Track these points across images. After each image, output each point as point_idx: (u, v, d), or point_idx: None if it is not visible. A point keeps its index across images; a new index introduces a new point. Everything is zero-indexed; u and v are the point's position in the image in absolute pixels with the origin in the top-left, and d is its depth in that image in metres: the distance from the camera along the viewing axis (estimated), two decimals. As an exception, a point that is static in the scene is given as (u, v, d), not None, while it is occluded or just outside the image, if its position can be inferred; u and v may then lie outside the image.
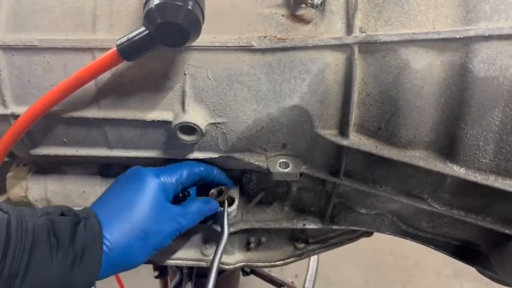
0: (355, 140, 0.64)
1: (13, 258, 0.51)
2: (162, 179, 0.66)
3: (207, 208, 0.72)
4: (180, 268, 1.14)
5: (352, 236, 0.87)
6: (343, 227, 0.81)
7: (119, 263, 0.61)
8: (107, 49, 0.58)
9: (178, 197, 0.71)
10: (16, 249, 0.52)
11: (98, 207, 0.63)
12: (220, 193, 0.75)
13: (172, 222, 0.66)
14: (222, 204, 0.75)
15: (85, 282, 0.58)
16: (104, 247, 0.59)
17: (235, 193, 0.77)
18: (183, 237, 0.80)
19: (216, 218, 0.76)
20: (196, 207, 0.70)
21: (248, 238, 0.84)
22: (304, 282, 1.57)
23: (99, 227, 0.60)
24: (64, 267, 0.55)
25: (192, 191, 0.74)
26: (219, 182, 0.75)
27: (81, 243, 0.57)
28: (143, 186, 0.64)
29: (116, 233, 0.60)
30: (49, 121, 0.66)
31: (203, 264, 0.81)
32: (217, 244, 0.71)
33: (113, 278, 1.55)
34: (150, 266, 1.31)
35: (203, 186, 0.75)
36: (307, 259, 1.58)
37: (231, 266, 0.83)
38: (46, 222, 0.56)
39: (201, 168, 0.72)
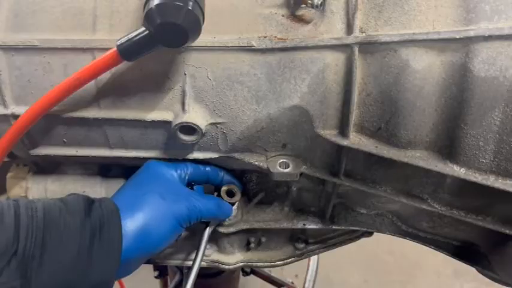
0: (355, 140, 0.64)
1: (26, 238, 0.50)
2: (173, 167, 0.69)
3: (222, 206, 0.72)
4: (180, 268, 1.15)
5: (352, 236, 0.87)
6: (343, 227, 0.81)
7: (140, 243, 0.59)
8: (107, 49, 0.58)
9: None
10: (28, 228, 0.50)
11: (113, 196, 0.64)
12: (230, 194, 0.75)
13: (188, 199, 0.66)
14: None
15: (107, 265, 0.55)
16: (123, 223, 0.58)
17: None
18: (182, 236, 0.81)
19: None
20: (213, 199, 0.71)
21: (248, 238, 0.84)
22: (304, 282, 1.57)
23: (115, 206, 0.59)
24: (82, 246, 0.53)
25: (199, 190, 0.74)
26: (228, 184, 0.75)
27: (98, 219, 0.55)
28: (156, 172, 0.67)
29: (133, 212, 0.60)
30: (49, 121, 0.66)
31: (203, 264, 0.81)
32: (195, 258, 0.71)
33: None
34: (150, 266, 1.31)
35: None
36: (307, 259, 1.58)
37: (231, 266, 0.83)
38: (57, 202, 0.55)
39: (207, 168, 0.72)
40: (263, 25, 0.61)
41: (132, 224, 0.59)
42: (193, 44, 0.58)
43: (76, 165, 0.77)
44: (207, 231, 0.73)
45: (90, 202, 0.58)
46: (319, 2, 0.59)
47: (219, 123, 0.65)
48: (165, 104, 0.64)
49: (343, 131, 0.64)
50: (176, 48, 0.58)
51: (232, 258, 0.83)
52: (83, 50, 0.62)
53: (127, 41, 0.56)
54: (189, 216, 0.65)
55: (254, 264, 0.85)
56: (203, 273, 1.06)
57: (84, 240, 0.53)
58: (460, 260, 0.81)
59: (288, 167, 0.68)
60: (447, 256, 0.82)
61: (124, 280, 1.56)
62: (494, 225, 0.67)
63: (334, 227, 0.81)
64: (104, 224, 0.55)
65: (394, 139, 0.62)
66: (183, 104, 0.63)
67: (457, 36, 0.56)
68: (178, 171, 0.69)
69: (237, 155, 0.69)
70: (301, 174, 0.70)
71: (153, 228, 0.61)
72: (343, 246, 0.89)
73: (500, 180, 0.60)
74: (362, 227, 0.81)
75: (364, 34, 0.59)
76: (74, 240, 0.53)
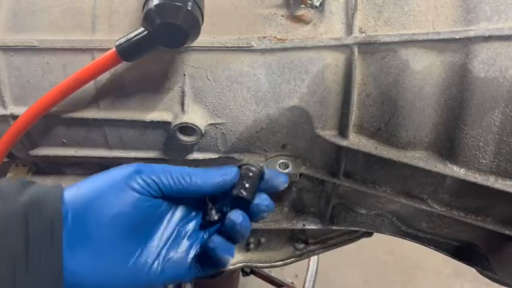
0: (355, 140, 0.64)
1: None
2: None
3: (224, 170, 0.53)
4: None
5: (352, 237, 0.87)
6: (342, 228, 0.81)
7: (85, 218, 0.47)
8: (106, 50, 0.58)
9: None
10: None
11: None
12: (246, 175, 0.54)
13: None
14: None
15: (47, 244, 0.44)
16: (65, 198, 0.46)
17: None
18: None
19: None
20: (208, 170, 0.52)
21: (248, 238, 0.84)
22: (304, 283, 1.57)
23: (59, 188, 0.48)
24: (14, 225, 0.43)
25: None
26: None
27: (35, 196, 0.45)
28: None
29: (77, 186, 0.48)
30: (48, 122, 0.66)
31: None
32: None
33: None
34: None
35: None
36: (307, 259, 1.58)
37: (230, 267, 0.83)
38: None
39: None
40: (262, 25, 0.61)
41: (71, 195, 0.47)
42: (192, 45, 0.58)
43: (75, 165, 0.76)
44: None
45: (26, 183, 0.48)
46: (319, 3, 0.59)
47: (219, 123, 0.65)
48: (165, 104, 0.64)
49: (342, 131, 0.64)
50: (175, 48, 0.58)
51: (232, 258, 0.83)
52: (82, 50, 0.62)
53: (126, 41, 0.56)
54: (142, 170, 0.49)
55: (254, 264, 0.85)
56: (203, 273, 1.06)
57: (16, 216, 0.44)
58: (459, 261, 0.81)
59: (287, 168, 0.68)
60: (447, 256, 0.82)
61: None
62: (494, 225, 0.67)
63: (333, 228, 0.81)
64: (41, 200, 0.45)
65: (394, 140, 0.62)
66: (182, 104, 0.63)
67: (457, 37, 0.56)
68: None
69: (236, 156, 0.69)
70: (301, 174, 0.70)
71: (95, 196, 0.48)
72: (343, 247, 0.89)
73: (500, 181, 0.60)
74: (362, 228, 0.81)
75: (363, 34, 0.59)
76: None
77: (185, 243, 0.53)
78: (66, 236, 0.45)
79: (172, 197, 0.51)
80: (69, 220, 0.46)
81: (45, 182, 0.76)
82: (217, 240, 0.51)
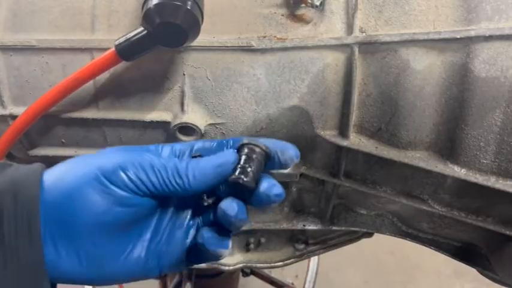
0: (355, 140, 0.64)
1: None
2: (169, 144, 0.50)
3: (220, 160, 0.46)
4: (179, 269, 1.14)
5: (352, 237, 0.87)
6: (343, 228, 0.81)
7: (63, 206, 0.43)
8: (105, 49, 0.57)
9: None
10: None
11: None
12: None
13: (137, 151, 0.46)
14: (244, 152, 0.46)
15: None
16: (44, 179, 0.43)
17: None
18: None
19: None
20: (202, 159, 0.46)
21: (247, 239, 0.83)
22: (304, 283, 1.57)
23: (39, 167, 0.44)
24: None
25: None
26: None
27: (10, 179, 0.42)
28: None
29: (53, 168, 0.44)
30: (47, 122, 0.66)
31: (202, 265, 0.81)
32: None
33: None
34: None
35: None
36: (307, 260, 1.57)
37: (230, 267, 0.83)
38: None
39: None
40: (262, 25, 0.61)
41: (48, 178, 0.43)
42: (192, 44, 0.58)
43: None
44: None
45: (3, 165, 0.44)
46: (319, 2, 0.58)
47: (218, 123, 0.64)
48: (164, 104, 0.64)
49: (343, 131, 0.63)
50: (175, 48, 0.58)
51: (232, 259, 0.83)
52: (82, 50, 0.61)
53: (125, 41, 0.55)
54: (126, 167, 0.44)
55: (254, 265, 0.85)
56: (203, 274, 1.06)
57: None
58: (460, 261, 0.80)
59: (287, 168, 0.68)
60: (447, 256, 0.82)
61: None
62: (494, 226, 0.67)
63: (334, 228, 0.81)
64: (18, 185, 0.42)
65: (395, 140, 0.62)
66: (182, 104, 0.63)
67: (458, 36, 0.56)
68: (176, 146, 0.50)
69: (236, 156, 0.69)
70: (301, 174, 0.70)
71: (76, 189, 0.43)
72: (344, 247, 0.89)
73: (501, 181, 0.60)
74: (362, 228, 0.81)
75: (364, 34, 0.59)
76: None
77: (180, 234, 0.48)
78: (46, 229, 0.42)
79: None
80: (48, 211, 0.42)
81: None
82: (206, 235, 0.46)
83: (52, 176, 0.44)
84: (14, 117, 0.63)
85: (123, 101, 0.64)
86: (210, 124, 0.64)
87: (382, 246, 2.12)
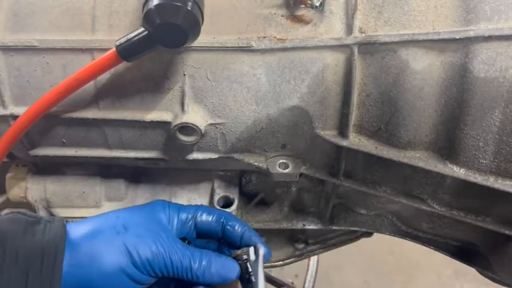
0: (355, 140, 0.64)
1: None
2: (176, 209, 0.59)
3: (221, 264, 0.57)
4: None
5: (352, 237, 0.87)
6: (342, 228, 0.81)
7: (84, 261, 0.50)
8: (106, 50, 0.58)
9: None
10: None
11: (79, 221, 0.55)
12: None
13: (158, 238, 0.54)
14: (242, 260, 0.59)
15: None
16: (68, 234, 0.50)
17: (234, 194, 0.76)
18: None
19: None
20: (202, 252, 0.56)
21: (248, 239, 0.83)
22: (304, 283, 1.57)
23: (63, 230, 0.51)
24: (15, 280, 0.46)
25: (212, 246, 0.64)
26: (246, 243, 0.61)
27: (39, 246, 0.48)
28: (151, 208, 0.58)
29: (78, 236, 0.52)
30: (48, 122, 0.66)
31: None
32: None
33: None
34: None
35: None
36: (307, 259, 1.57)
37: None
38: None
39: (222, 214, 0.61)
40: (262, 25, 0.61)
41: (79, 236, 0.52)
42: (192, 45, 0.58)
43: (75, 165, 0.76)
44: None
45: (31, 222, 0.50)
46: (319, 3, 0.59)
47: (219, 123, 0.65)
48: (164, 104, 0.64)
49: (342, 131, 0.64)
50: (175, 48, 0.58)
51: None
52: (82, 50, 0.61)
53: (126, 41, 0.55)
54: (146, 257, 0.52)
55: (254, 264, 0.85)
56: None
57: (18, 274, 0.46)
58: (459, 261, 0.81)
59: (287, 168, 0.68)
60: (447, 256, 0.82)
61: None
62: (494, 225, 0.67)
63: (333, 228, 0.81)
64: (44, 253, 0.47)
65: (394, 140, 0.62)
66: (182, 104, 0.63)
67: (457, 37, 0.56)
68: (182, 214, 0.60)
69: (236, 156, 0.69)
70: (301, 174, 0.70)
71: (95, 257, 0.51)
72: (343, 246, 0.89)
73: (500, 181, 0.60)
74: (362, 228, 0.81)
75: (363, 34, 0.59)
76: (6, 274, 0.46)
77: None
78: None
79: None
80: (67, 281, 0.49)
81: (47, 184, 0.76)
82: None
83: (78, 256, 0.50)
84: (14, 117, 0.64)
85: (124, 101, 0.64)
86: (210, 124, 0.64)
87: (382, 246, 2.12)
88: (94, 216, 0.56)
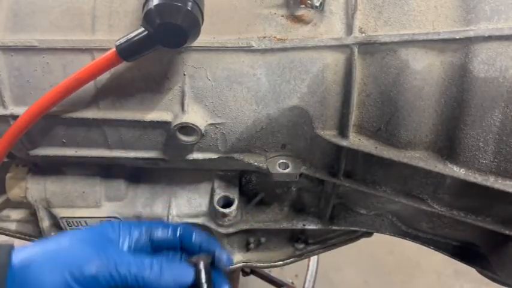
0: (355, 140, 0.64)
1: None
2: (127, 227, 0.56)
3: (174, 268, 0.53)
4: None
5: (352, 237, 0.87)
6: (342, 228, 0.81)
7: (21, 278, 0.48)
8: (106, 50, 0.58)
9: None
10: None
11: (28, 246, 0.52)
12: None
13: (104, 251, 0.51)
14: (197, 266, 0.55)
15: None
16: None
17: (234, 194, 0.76)
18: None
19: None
20: (161, 261, 0.53)
21: (247, 239, 0.84)
22: (304, 283, 1.57)
23: (6, 257, 0.48)
24: None
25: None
26: (204, 250, 0.58)
27: None
28: (99, 229, 0.55)
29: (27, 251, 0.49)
30: (48, 122, 0.66)
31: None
32: None
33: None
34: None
35: None
36: (307, 259, 1.58)
37: (230, 267, 0.83)
38: None
39: (178, 228, 0.58)
40: (262, 25, 0.61)
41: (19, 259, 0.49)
42: (192, 45, 0.58)
43: (75, 165, 0.76)
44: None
45: None
46: (319, 3, 0.59)
47: (219, 123, 0.65)
48: (164, 104, 0.64)
49: (342, 131, 0.64)
50: (175, 48, 0.58)
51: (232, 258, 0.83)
52: (82, 50, 0.61)
53: (126, 41, 0.55)
54: (90, 272, 0.49)
55: (254, 264, 0.85)
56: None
57: None
58: (459, 261, 0.81)
59: (287, 168, 0.68)
60: (447, 256, 0.82)
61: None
62: (493, 225, 0.67)
63: (333, 228, 0.81)
64: None
65: (394, 140, 0.62)
66: (182, 104, 0.63)
67: (457, 37, 0.56)
68: (134, 232, 0.56)
69: (236, 156, 0.69)
70: (301, 174, 0.70)
71: (35, 282, 0.48)
72: (343, 247, 0.89)
73: (500, 181, 0.60)
74: (362, 228, 0.81)
75: (363, 34, 0.59)
76: None
77: None
78: None
79: None
80: None
81: (47, 184, 0.76)
82: None
83: (21, 274, 0.47)
84: (15, 117, 0.64)
85: (124, 101, 0.64)
86: (210, 124, 0.64)
87: (382, 246, 2.12)
88: (41, 240, 0.53)
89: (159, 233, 0.57)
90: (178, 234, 0.58)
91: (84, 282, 0.48)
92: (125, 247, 0.55)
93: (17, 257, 0.49)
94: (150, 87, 0.63)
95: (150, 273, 0.51)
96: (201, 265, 0.54)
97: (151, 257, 0.53)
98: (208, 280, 0.54)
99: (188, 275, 0.53)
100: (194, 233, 0.58)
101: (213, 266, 0.56)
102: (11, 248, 0.49)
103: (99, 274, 0.49)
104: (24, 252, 0.50)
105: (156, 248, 0.57)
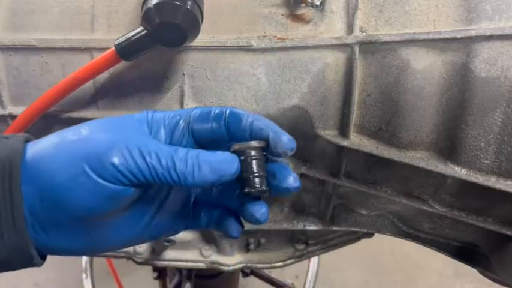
0: (356, 140, 0.63)
1: None
2: (162, 114, 0.47)
3: (214, 156, 0.43)
4: (179, 269, 1.14)
5: (353, 237, 0.87)
6: (343, 228, 0.81)
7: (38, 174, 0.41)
8: (105, 49, 0.57)
9: None
10: None
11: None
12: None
13: (131, 135, 0.43)
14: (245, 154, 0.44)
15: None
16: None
17: None
18: (182, 237, 0.80)
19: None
20: (199, 151, 0.43)
21: (247, 239, 0.83)
22: (305, 283, 1.57)
23: (22, 141, 0.43)
24: None
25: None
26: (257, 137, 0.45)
27: None
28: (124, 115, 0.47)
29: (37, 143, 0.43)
30: (47, 121, 0.66)
31: (202, 265, 0.81)
32: None
33: (111, 279, 1.55)
34: (150, 267, 1.31)
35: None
36: (307, 260, 1.57)
37: (230, 267, 0.83)
38: None
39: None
40: (262, 25, 0.60)
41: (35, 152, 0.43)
42: (192, 44, 0.58)
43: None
44: None
45: None
46: (319, 2, 0.58)
47: (218, 123, 0.64)
48: (164, 104, 0.64)
49: (343, 131, 0.63)
50: (175, 48, 0.58)
51: (232, 259, 0.83)
52: (81, 49, 0.61)
53: (125, 40, 0.55)
54: (111, 161, 0.40)
55: (254, 265, 0.85)
56: (203, 274, 1.06)
57: None
58: (460, 261, 0.80)
59: (287, 168, 0.68)
60: (448, 257, 0.81)
61: (123, 281, 1.55)
62: (495, 226, 0.67)
63: (334, 228, 0.80)
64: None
65: (395, 140, 0.62)
66: (181, 104, 0.63)
67: (458, 36, 0.56)
68: (169, 120, 0.47)
69: (236, 156, 0.69)
70: (301, 174, 0.70)
71: (48, 169, 0.41)
72: (344, 247, 0.89)
73: (501, 181, 0.60)
74: (362, 228, 0.81)
75: (364, 34, 0.58)
76: None
77: (181, 210, 0.49)
78: (33, 219, 0.41)
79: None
80: (33, 203, 0.41)
81: None
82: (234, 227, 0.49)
83: (35, 166, 0.42)
84: (13, 117, 0.63)
85: (123, 101, 0.64)
86: (209, 124, 0.64)
87: (383, 246, 2.12)
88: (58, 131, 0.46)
89: (200, 120, 0.46)
90: (223, 118, 0.46)
91: (105, 173, 0.41)
92: (160, 138, 0.46)
93: (31, 149, 0.43)
94: (150, 86, 0.63)
95: (184, 163, 0.42)
96: (250, 152, 0.43)
97: (187, 147, 0.44)
98: (259, 169, 0.44)
99: (231, 164, 0.43)
100: (244, 116, 0.46)
101: (268, 152, 0.46)
102: (26, 138, 0.44)
103: (122, 164, 0.41)
104: (39, 143, 0.43)
105: (198, 141, 0.47)
